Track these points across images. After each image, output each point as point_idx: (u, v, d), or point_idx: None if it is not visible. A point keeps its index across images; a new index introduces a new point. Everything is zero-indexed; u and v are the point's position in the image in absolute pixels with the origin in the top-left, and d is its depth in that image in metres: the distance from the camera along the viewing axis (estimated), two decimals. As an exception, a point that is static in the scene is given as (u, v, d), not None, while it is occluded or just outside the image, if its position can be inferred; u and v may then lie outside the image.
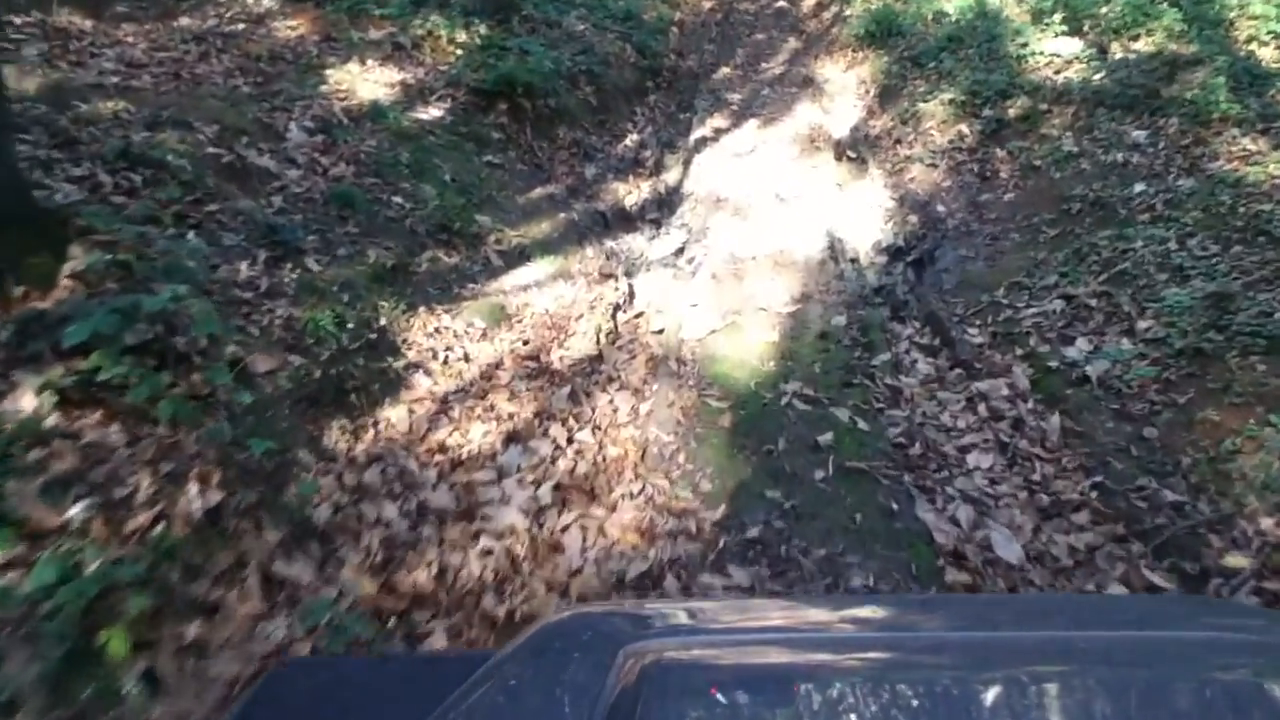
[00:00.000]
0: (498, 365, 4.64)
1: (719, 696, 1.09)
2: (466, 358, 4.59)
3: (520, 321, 5.19)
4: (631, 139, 8.63)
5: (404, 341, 4.44)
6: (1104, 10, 9.24)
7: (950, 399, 4.93)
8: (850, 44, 11.46)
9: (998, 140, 8.01)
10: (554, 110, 7.79)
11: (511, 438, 4.11)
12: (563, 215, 6.72)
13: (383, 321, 4.39)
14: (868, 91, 10.28)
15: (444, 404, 4.17)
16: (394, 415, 3.93)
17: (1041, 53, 8.88)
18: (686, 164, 8.41)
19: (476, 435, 4.05)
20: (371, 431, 3.77)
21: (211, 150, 5.08)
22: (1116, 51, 8.51)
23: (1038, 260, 6.16)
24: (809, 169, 8.40)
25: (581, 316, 5.48)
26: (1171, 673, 1.15)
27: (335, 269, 4.52)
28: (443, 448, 3.89)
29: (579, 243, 6.52)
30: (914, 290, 6.53)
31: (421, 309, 4.76)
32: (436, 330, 4.64)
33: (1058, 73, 8.53)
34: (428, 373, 4.31)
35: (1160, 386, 4.54)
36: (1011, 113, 8.16)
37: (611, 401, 4.67)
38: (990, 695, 1.08)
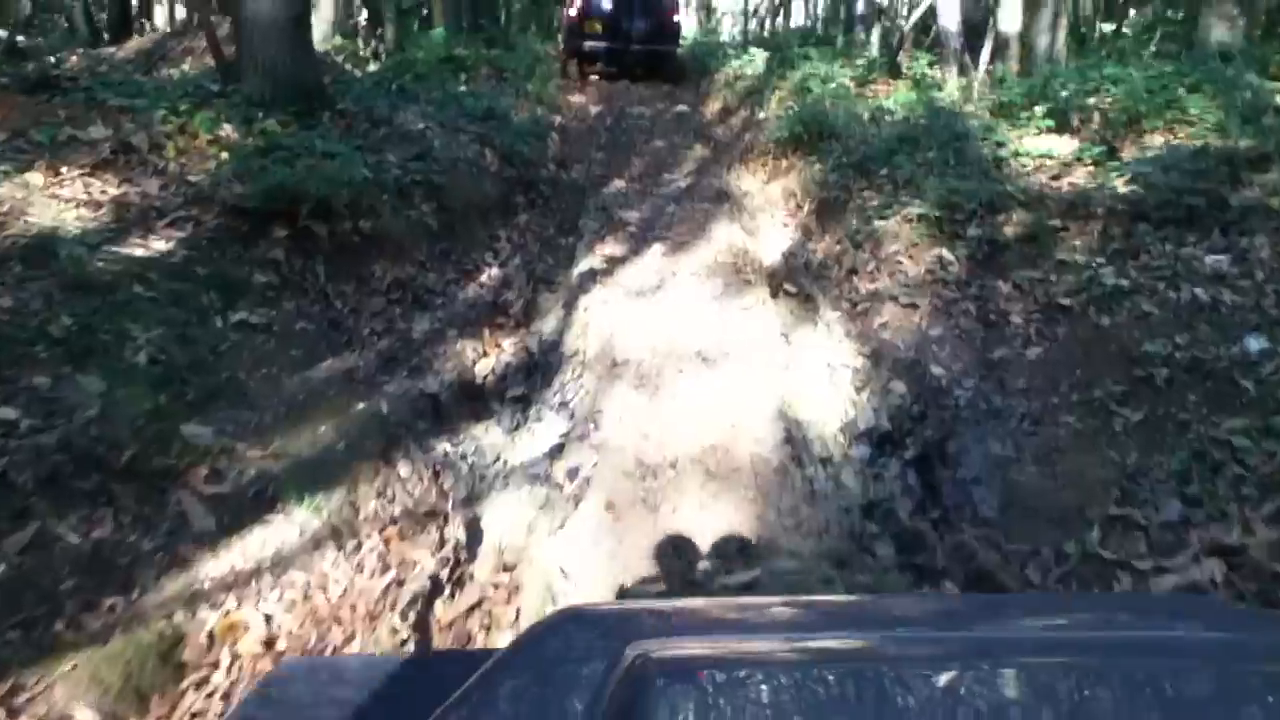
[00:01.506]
0: None
1: (720, 693, 1.07)
2: None
3: (203, 683, 2.51)
4: (490, 274, 6.16)
5: None
6: (1093, 101, 7.33)
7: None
8: (770, 150, 9.39)
9: (996, 269, 5.81)
10: (368, 237, 5.27)
11: None
12: (362, 405, 4.13)
13: None
14: (800, 207, 8.12)
15: None
16: None
17: (1027, 153, 6.84)
18: (569, 308, 5.96)
19: None
20: None
21: None
22: (1129, 149, 6.52)
23: (1128, 466, 3.81)
24: (738, 311, 6.03)
25: (352, 638, 2.83)
26: (1161, 672, 1.11)
27: None
28: None
29: (383, 454, 3.91)
30: (928, 513, 4.10)
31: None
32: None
33: (1056, 178, 6.47)
34: None
35: None
36: (1009, 230, 6.00)
37: None
38: (988, 694, 1.08)
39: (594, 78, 15.11)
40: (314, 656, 2.58)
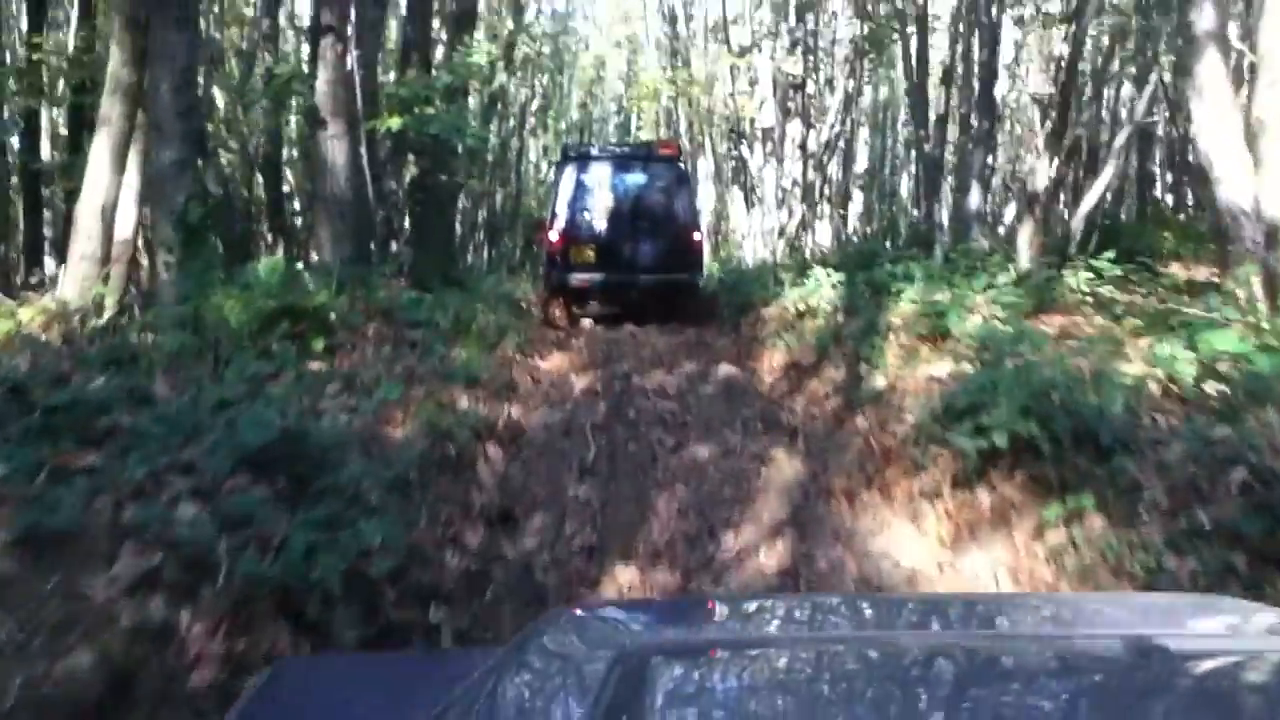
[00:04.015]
0: None
1: (715, 688, 1.10)
2: None
3: None
4: None
5: None
6: None
7: None
8: (938, 463, 4.50)
9: None
10: None
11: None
12: None
13: None
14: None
15: None
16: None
17: None
18: None
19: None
20: None
21: None
22: None
23: None
24: None
25: None
26: (1168, 673, 1.08)
27: None
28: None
29: None
30: None
31: None
32: None
33: None
34: None
35: None
36: None
37: None
38: (986, 695, 1.06)
39: (586, 322, 10.66)
40: (315, 655, 2.49)
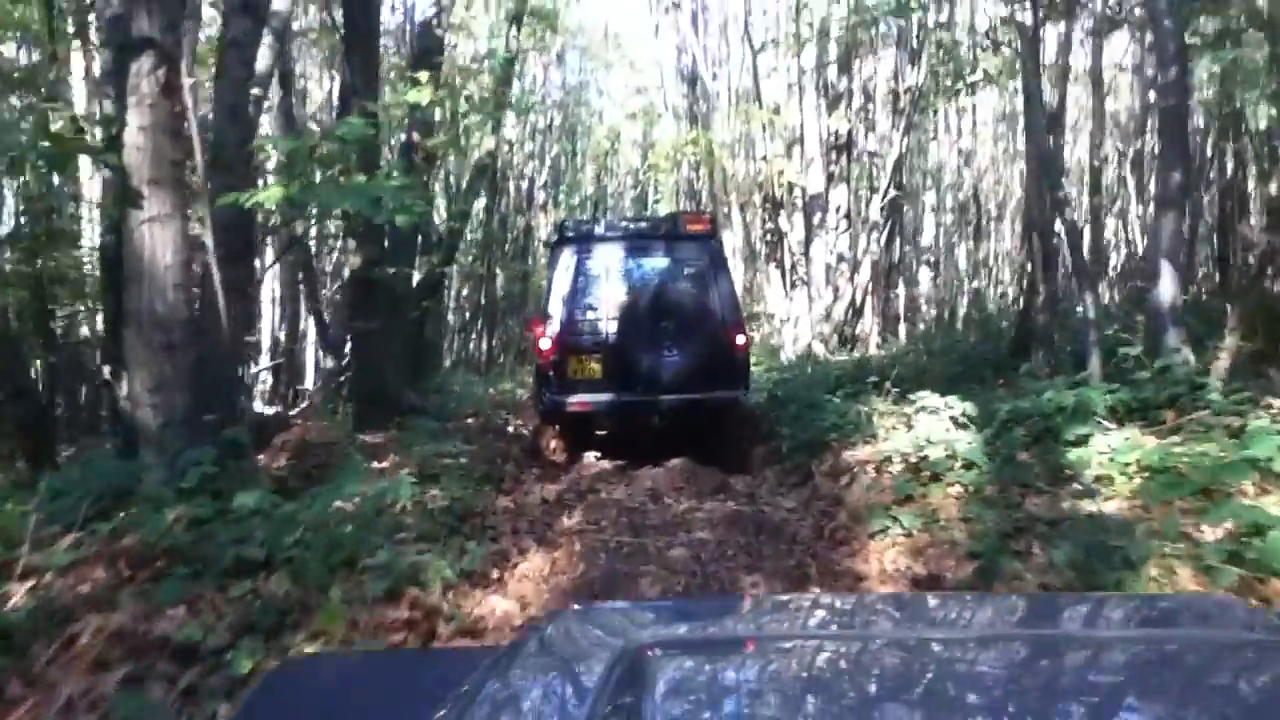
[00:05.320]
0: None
1: (713, 684, 1.08)
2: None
3: None
4: None
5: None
6: None
7: None
8: None
9: None
10: None
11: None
12: None
13: None
14: None
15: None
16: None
17: None
18: None
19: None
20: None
21: None
22: None
23: None
24: None
25: None
26: (1170, 673, 1.10)
27: None
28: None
29: None
30: None
31: None
32: None
33: None
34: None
35: None
36: None
37: None
38: (986, 694, 1.04)
39: (590, 457, 7.72)
40: (319, 654, 2.61)
